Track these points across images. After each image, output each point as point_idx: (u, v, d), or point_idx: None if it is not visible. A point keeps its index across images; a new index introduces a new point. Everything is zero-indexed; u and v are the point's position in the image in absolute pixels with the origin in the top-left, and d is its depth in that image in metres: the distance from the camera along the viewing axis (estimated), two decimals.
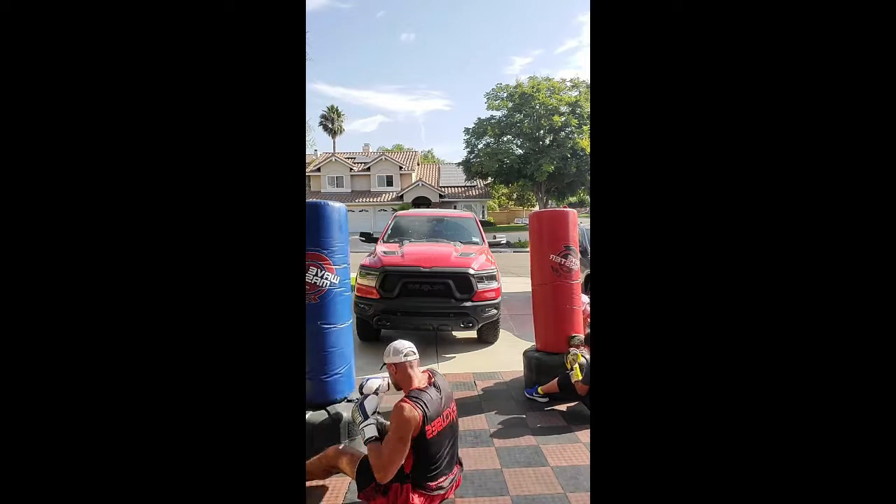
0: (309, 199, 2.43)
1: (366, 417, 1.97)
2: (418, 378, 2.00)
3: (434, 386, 1.97)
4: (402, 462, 1.83)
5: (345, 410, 2.42)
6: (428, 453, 1.86)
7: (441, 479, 1.90)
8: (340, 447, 2.09)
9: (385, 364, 2.04)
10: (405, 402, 1.85)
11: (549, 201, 27.02)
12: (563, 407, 3.15)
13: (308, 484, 2.18)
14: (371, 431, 1.92)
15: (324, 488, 2.19)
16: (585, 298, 3.68)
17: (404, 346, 2.01)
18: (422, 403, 1.84)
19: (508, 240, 9.19)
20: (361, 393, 2.08)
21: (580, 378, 2.98)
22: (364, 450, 1.99)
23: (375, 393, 2.06)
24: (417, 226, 5.69)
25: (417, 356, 2.03)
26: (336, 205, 2.53)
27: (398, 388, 2.02)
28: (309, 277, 2.40)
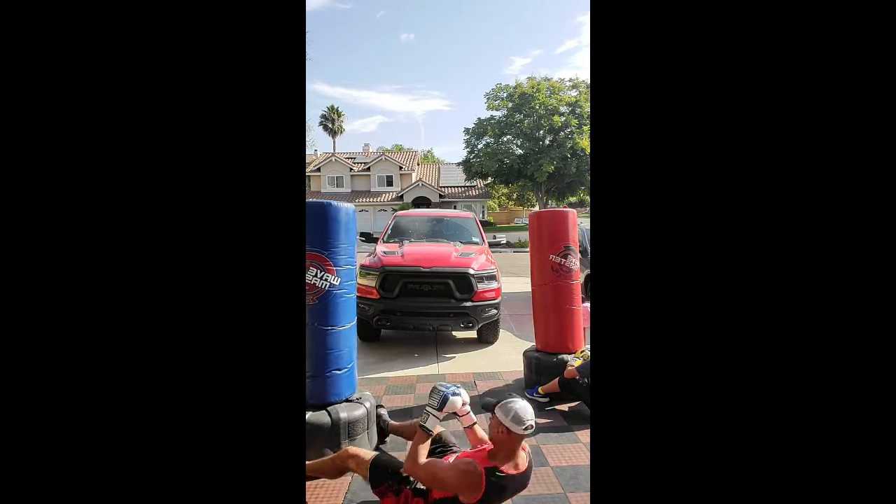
0: (312, 199, 2.41)
1: (439, 409, 1.81)
2: (517, 461, 1.72)
3: (523, 476, 1.73)
4: (427, 484, 1.75)
5: (345, 411, 2.42)
6: None
7: None
8: (352, 450, 2.06)
9: (492, 415, 1.75)
10: (479, 476, 1.63)
11: (549, 201, 27.01)
12: (563, 407, 3.15)
13: (311, 485, 2.18)
14: (431, 423, 1.80)
15: (324, 488, 2.19)
16: (586, 305, 3.68)
17: (527, 418, 1.68)
18: (491, 490, 1.64)
19: (508, 240, 9.19)
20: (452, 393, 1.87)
21: (577, 365, 3.02)
22: (366, 447, 1.96)
23: (458, 395, 1.87)
24: (417, 226, 5.69)
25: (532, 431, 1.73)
26: (343, 205, 2.50)
27: (492, 442, 1.78)
28: (308, 278, 2.39)
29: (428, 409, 1.83)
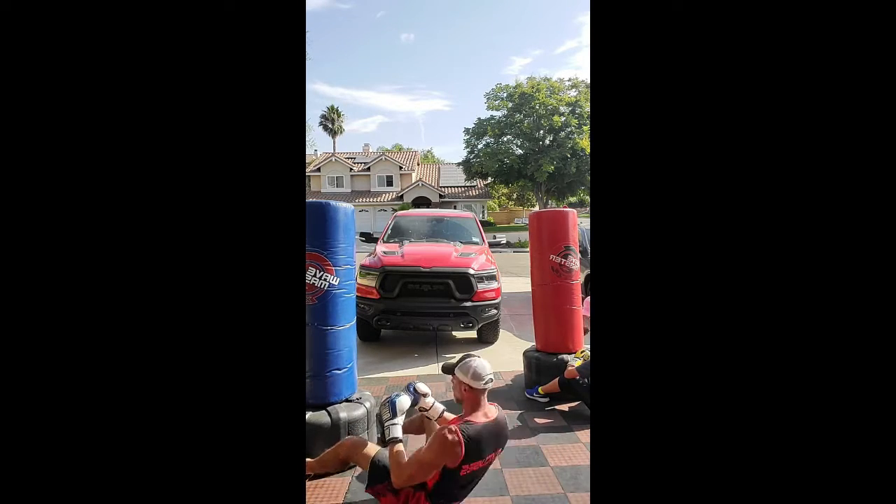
0: (311, 199, 2.41)
1: (394, 416, 1.87)
2: (485, 410, 1.81)
3: (495, 424, 1.80)
4: (422, 480, 1.75)
5: (344, 411, 2.42)
6: (455, 484, 1.77)
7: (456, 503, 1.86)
8: (356, 439, 2.06)
9: (453, 377, 1.86)
10: (453, 432, 1.68)
11: (549, 201, 27.02)
12: (563, 407, 3.15)
13: (311, 482, 2.19)
14: (396, 431, 1.84)
15: (324, 488, 2.19)
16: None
17: (486, 373, 1.79)
18: (469, 442, 1.69)
19: (508, 240, 9.20)
20: (413, 391, 1.98)
21: (577, 365, 3.01)
22: (376, 443, 1.97)
23: (401, 395, 1.94)
24: (417, 226, 5.69)
25: (491, 385, 1.84)
26: (342, 205, 2.51)
27: (458, 402, 1.88)
28: (307, 278, 2.39)
29: (387, 423, 1.87)
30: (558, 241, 3.38)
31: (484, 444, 1.74)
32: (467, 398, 1.82)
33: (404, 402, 1.92)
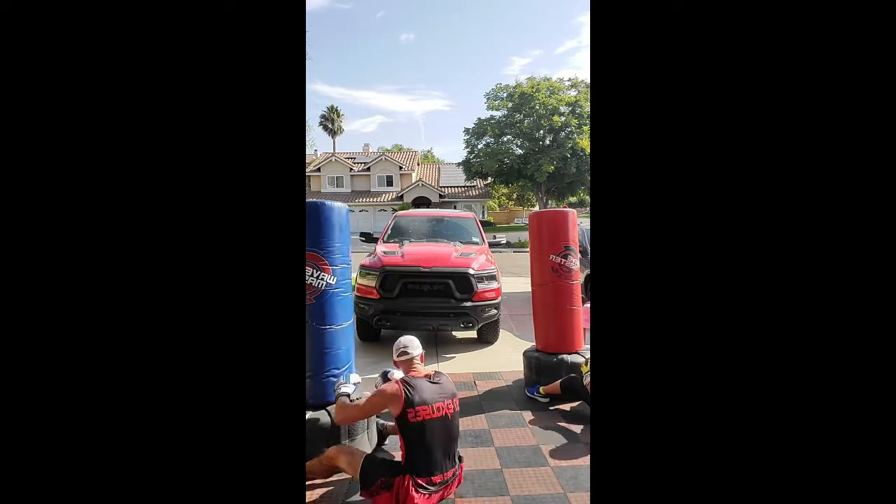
0: (308, 199, 2.41)
1: (347, 382, 2.24)
2: (416, 371, 2.16)
3: (430, 380, 2.09)
4: (360, 419, 2.21)
5: None
6: (418, 441, 1.93)
7: (440, 476, 1.94)
8: (341, 447, 2.10)
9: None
10: (395, 384, 2.01)
11: (549, 201, 27.00)
12: (563, 407, 3.15)
13: (308, 484, 2.19)
14: (346, 389, 2.16)
15: (324, 488, 2.19)
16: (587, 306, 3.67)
17: (399, 347, 2.21)
18: (408, 387, 1.98)
19: (508, 240, 9.20)
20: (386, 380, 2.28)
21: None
22: (367, 448, 2.03)
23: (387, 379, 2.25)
24: (417, 226, 5.68)
25: (414, 353, 2.19)
26: (337, 205, 2.51)
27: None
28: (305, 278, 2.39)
29: (338, 384, 2.25)
30: (558, 241, 3.38)
31: (423, 392, 1.99)
32: (402, 369, 2.19)
33: (356, 376, 2.34)
